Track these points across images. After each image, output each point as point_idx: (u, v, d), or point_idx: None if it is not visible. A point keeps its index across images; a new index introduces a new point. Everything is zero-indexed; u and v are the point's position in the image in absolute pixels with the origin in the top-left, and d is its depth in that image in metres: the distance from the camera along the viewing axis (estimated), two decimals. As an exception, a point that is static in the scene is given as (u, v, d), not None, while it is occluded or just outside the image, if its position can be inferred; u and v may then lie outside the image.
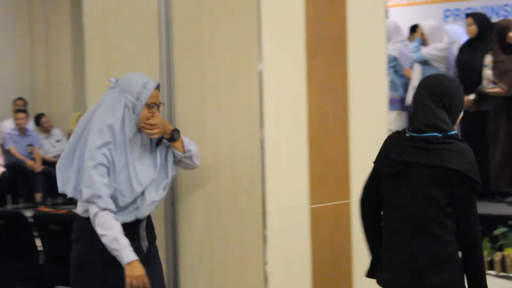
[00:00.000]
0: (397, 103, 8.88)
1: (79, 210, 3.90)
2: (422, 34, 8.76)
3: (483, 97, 8.24)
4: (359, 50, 4.46)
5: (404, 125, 8.24)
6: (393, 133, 3.88)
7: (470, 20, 8.56)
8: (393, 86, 8.88)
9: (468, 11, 9.72)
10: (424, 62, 8.57)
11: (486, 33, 8.42)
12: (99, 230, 3.71)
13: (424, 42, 8.74)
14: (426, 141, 3.66)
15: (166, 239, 4.45)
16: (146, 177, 3.86)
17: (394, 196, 3.74)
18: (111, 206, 3.74)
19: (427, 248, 3.59)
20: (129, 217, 3.84)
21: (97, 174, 3.73)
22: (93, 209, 3.73)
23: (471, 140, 8.50)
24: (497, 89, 8.01)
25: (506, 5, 9.76)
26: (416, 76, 8.53)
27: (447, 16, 10.16)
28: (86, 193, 3.74)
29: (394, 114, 8.71)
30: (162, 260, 4.13)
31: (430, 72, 7.82)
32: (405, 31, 9.40)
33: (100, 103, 3.89)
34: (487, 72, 8.09)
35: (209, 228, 4.31)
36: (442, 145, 3.64)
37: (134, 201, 3.84)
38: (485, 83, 8.14)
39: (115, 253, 3.68)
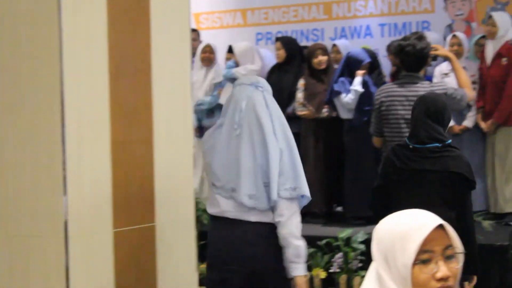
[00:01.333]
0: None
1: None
2: (234, 55, 8.89)
3: (294, 119, 8.40)
4: (164, 74, 4.41)
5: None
6: (395, 145, 4.88)
7: (278, 44, 8.73)
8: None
9: (279, 35, 9.91)
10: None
11: (295, 57, 8.60)
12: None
13: (237, 63, 8.86)
14: (429, 151, 4.62)
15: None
16: None
17: (405, 197, 4.59)
18: None
19: None
20: None
21: None
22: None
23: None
24: (305, 112, 8.20)
25: (315, 29, 10.00)
26: (225, 95, 8.61)
27: (259, 40, 10.32)
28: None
29: None
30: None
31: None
32: (219, 54, 9.48)
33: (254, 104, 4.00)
34: (299, 95, 8.27)
35: (9, 255, 4.14)
36: (442, 153, 4.57)
37: None
38: (296, 105, 8.31)
39: (295, 261, 4.00)
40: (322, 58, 8.21)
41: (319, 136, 8.32)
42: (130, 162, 4.26)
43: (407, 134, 5.63)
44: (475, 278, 4.59)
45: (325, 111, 8.15)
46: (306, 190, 4.01)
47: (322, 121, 8.23)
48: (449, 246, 2.23)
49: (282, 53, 8.67)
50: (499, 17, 7.97)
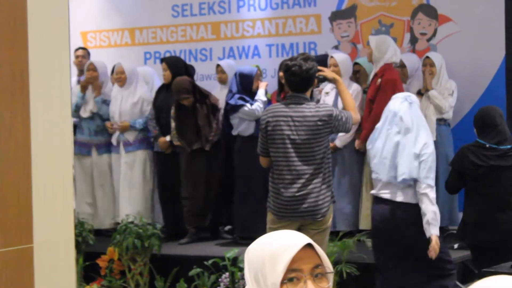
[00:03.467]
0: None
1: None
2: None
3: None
4: (42, 91, 4.32)
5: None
6: (469, 145, 6.56)
7: (164, 65, 8.74)
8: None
9: (168, 54, 9.89)
10: None
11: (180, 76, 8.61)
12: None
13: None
14: (503, 150, 6.43)
15: None
16: None
17: (481, 188, 6.46)
18: None
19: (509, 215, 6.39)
20: None
21: None
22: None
23: (166, 179, 8.71)
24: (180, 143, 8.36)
25: (203, 49, 10.01)
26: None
27: (147, 59, 10.26)
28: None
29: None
30: None
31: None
32: (109, 72, 9.40)
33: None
34: (172, 124, 8.53)
35: None
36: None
37: None
38: (172, 134, 8.49)
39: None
40: (189, 101, 8.31)
41: (208, 156, 8.36)
42: (6, 181, 4.15)
43: (293, 154, 5.76)
44: None
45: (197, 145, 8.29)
46: None
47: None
48: (318, 265, 2.26)
49: (168, 74, 8.67)
50: (373, 41, 8.14)
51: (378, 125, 6.19)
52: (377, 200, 6.15)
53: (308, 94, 6.07)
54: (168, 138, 8.53)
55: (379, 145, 6.10)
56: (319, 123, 5.92)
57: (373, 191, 6.25)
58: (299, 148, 5.94)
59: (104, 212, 9.10)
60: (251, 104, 8.12)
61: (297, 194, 5.96)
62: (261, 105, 8.09)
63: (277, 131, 5.97)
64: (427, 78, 8.15)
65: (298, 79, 5.94)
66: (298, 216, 6.00)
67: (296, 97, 6.00)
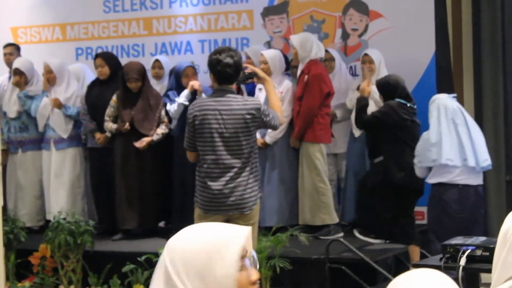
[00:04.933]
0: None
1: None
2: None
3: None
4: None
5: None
6: (394, 103, 7.31)
7: (100, 61, 8.64)
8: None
9: (100, 50, 9.81)
10: None
11: (117, 73, 8.57)
12: None
13: None
14: (415, 109, 7.35)
15: None
16: None
17: (407, 139, 7.25)
18: None
19: None
20: None
21: None
22: None
23: (99, 175, 8.67)
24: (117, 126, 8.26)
25: (136, 44, 9.97)
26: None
27: (79, 54, 10.17)
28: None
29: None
30: None
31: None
32: (38, 68, 9.29)
33: None
34: (109, 111, 8.40)
35: None
36: None
37: None
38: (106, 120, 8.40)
39: None
40: (136, 84, 8.24)
41: (145, 151, 8.30)
42: None
43: (221, 148, 5.79)
44: None
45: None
46: None
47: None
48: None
49: (106, 70, 8.60)
50: (296, 41, 8.16)
51: (433, 120, 6.87)
52: (451, 186, 6.76)
53: (233, 86, 6.08)
54: (108, 133, 8.45)
55: (448, 136, 6.75)
56: (247, 116, 5.92)
57: (443, 179, 6.76)
58: (227, 141, 5.94)
59: (32, 209, 9.01)
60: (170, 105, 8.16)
61: (224, 187, 5.96)
62: (176, 108, 8.08)
63: (205, 125, 5.94)
64: (366, 75, 8.21)
65: (230, 71, 5.91)
66: (225, 209, 6.00)
67: (223, 90, 5.98)
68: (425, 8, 8.59)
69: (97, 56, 8.85)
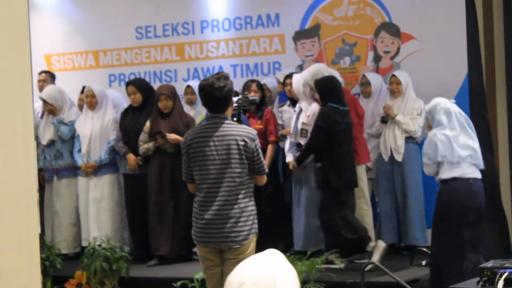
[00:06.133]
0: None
1: None
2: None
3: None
4: (5, 115, 4.30)
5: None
6: (327, 108, 7.56)
7: (132, 88, 8.70)
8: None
9: (132, 76, 9.88)
10: None
11: (149, 99, 8.64)
12: None
13: None
14: (347, 111, 7.71)
15: None
16: None
17: (343, 142, 7.69)
18: None
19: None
20: None
21: None
22: None
23: (134, 201, 8.70)
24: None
25: (168, 70, 10.01)
26: None
27: (112, 81, 10.24)
28: None
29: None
30: None
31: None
32: (72, 95, 9.39)
33: None
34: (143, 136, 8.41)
35: None
36: None
37: None
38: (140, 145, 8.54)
39: None
40: (166, 103, 8.30)
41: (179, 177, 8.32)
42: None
43: (213, 176, 5.68)
44: None
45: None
46: None
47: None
48: None
49: (139, 97, 8.68)
50: (306, 74, 8.19)
51: (444, 121, 7.05)
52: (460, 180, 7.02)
53: (228, 114, 5.86)
54: (140, 160, 8.51)
55: (456, 135, 7.04)
56: (241, 142, 5.71)
57: (455, 174, 6.99)
58: (219, 167, 5.72)
59: (68, 236, 9.05)
60: None
61: (213, 216, 5.73)
62: None
63: (199, 152, 5.75)
64: (386, 109, 8.25)
65: (212, 98, 5.73)
66: (214, 241, 5.76)
67: (215, 117, 5.79)
68: (457, 29, 8.56)
69: (128, 83, 8.91)
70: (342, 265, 7.14)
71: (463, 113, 7.17)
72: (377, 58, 9.16)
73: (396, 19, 9.04)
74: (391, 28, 9.07)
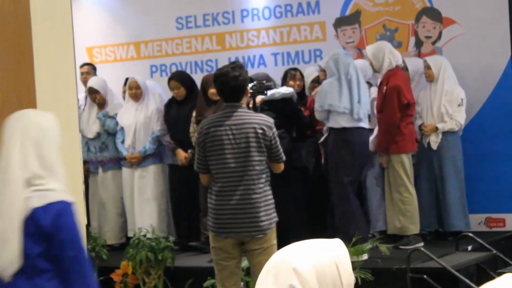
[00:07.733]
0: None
1: None
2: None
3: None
4: (49, 107, 4.34)
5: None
6: None
7: (175, 83, 8.70)
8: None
9: (174, 67, 9.92)
10: None
11: (192, 91, 8.66)
12: None
13: None
14: None
15: None
16: None
17: None
18: None
19: None
20: None
21: None
22: None
23: (179, 192, 8.74)
24: None
25: (209, 60, 10.03)
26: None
27: (153, 72, 10.29)
28: None
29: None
30: None
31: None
32: (114, 86, 9.45)
33: None
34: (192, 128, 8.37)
35: None
36: None
37: None
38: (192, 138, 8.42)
39: None
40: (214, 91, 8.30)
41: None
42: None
43: (232, 165, 5.65)
44: None
45: None
46: None
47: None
48: None
49: (182, 91, 8.69)
50: (369, 52, 8.13)
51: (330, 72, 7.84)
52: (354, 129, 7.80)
53: (243, 102, 5.86)
54: (189, 151, 8.52)
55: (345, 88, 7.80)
56: (259, 130, 5.70)
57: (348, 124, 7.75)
58: (238, 157, 5.70)
59: (114, 227, 9.12)
60: None
61: (235, 206, 5.70)
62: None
63: (216, 141, 5.71)
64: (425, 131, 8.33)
65: (227, 87, 5.73)
66: (236, 231, 5.74)
67: (231, 106, 5.77)
68: (499, 13, 8.48)
69: (170, 78, 8.88)
70: (387, 252, 7.11)
71: (358, 68, 7.90)
72: (418, 44, 9.09)
73: (437, 4, 8.96)
74: (433, 13, 8.99)
